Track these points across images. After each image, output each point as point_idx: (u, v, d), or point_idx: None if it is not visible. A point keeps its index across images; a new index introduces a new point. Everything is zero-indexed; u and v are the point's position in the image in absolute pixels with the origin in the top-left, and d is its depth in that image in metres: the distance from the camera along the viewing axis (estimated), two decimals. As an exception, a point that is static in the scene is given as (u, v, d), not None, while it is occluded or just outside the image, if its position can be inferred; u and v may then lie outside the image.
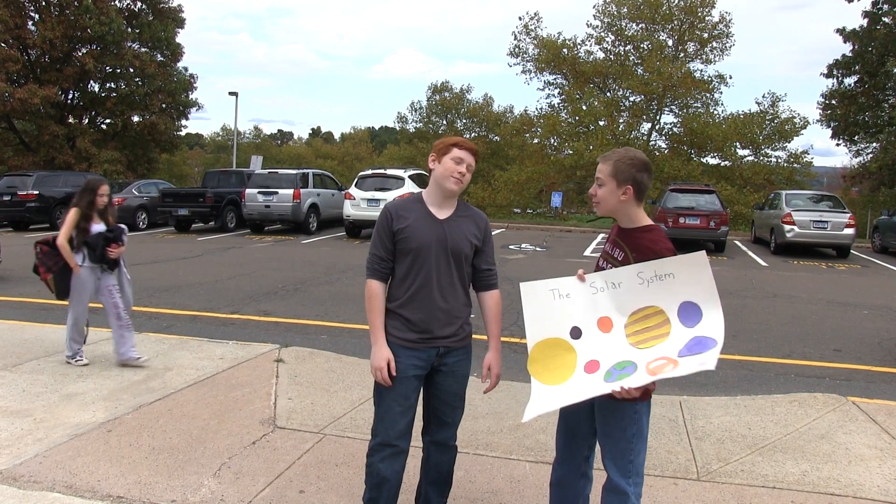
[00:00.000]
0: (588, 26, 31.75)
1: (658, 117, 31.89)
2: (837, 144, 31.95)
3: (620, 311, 2.44)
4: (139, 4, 30.66)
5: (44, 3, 28.24)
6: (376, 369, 2.62)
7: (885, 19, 25.98)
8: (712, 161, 31.02)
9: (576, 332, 2.47)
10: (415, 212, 2.66)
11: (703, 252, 2.44)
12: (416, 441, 2.88)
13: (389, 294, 2.73)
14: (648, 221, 2.50)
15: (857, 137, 29.02)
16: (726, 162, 30.39)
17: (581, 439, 2.62)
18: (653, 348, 2.38)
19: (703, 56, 31.04)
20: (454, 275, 2.68)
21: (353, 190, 17.39)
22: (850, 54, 27.42)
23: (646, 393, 2.42)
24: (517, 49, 32.64)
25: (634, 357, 2.38)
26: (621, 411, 2.41)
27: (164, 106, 31.03)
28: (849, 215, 15.56)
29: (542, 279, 2.55)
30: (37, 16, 28.27)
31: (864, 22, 26.56)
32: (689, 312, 2.39)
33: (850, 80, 28.44)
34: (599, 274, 2.51)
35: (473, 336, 2.86)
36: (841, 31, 27.21)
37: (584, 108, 30.60)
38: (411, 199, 2.73)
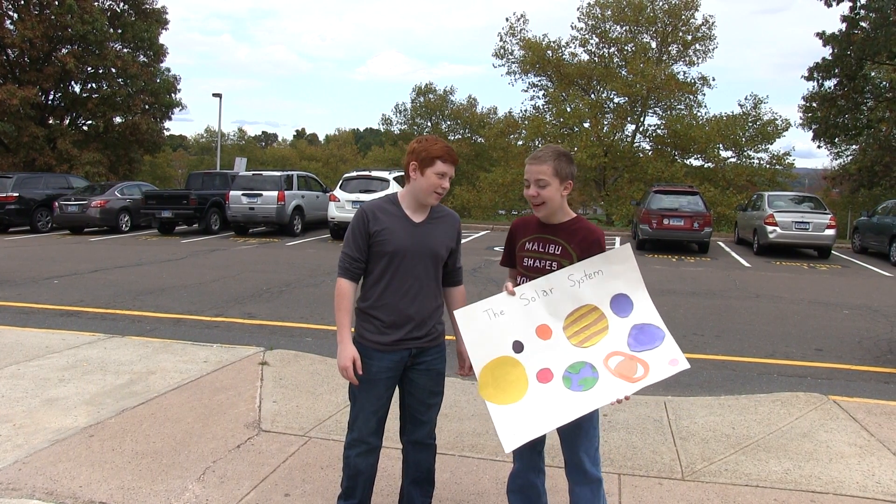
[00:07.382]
0: (573, 28, 32.08)
1: (642, 119, 32.20)
2: (818, 146, 32.27)
3: (556, 315, 2.51)
4: (122, 5, 30.35)
5: (23, 2, 27.83)
6: (342, 368, 2.62)
7: (863, 24, 26.35)
8: (696, 163, 31.42)
9: (518, 346, 2.51)
10: (392, 215, 2.66)
11: (628, 245, 2.56)
12: (397, 443, 2.87)
13: (362, 294, 2.74)
14: (573, 213, 2.60)
15: (837, 139, 29.42)
16: (709, 163, 30.77)
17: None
18: (597, 345, 2.46)
19: (687, 58, 31.42)
20: (430, 278, 2.70)
21: (337, 192, 17.31)
22: (830, 58, 27.79)
23: None
24: (502, 50, 32.84)
25: (584, 357, 2.45)
26: None
27: (146, 107, 30.71)
28: (830, 216, 15.76)
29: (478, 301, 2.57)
30: (16, 15, 27.85)
31: (843, 26, 26.93)
32: (621, 304, 2.51)
33: (829, 83, 28.81)
34: (528, 285, 2.53)
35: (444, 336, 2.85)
36: (821, 35, 27.55)
37: (568, 109, 30.82)
38: (385, 200, 2.72)
